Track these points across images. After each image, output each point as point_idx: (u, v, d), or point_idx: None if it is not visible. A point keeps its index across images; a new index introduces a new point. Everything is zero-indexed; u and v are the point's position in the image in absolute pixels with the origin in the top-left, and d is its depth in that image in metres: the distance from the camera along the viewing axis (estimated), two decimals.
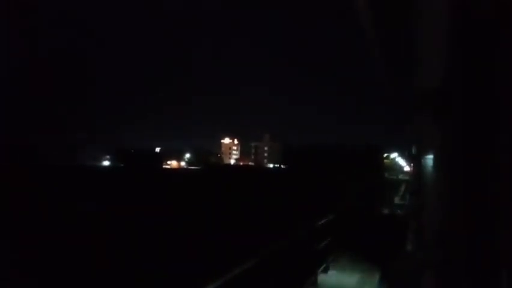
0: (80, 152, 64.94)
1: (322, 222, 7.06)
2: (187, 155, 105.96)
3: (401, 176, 45.64)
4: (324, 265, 6.72)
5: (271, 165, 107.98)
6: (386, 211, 16.43)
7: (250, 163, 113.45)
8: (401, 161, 48.68)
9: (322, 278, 6.51)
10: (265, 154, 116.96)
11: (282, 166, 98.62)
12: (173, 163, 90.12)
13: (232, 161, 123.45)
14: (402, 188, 26.71)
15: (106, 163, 70.26)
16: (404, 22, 2.25)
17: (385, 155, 63.62)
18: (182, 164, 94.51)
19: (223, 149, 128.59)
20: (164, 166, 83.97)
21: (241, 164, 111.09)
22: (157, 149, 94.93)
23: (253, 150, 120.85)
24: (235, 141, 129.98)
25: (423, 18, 1.88)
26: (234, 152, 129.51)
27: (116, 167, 61.82)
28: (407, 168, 43.70)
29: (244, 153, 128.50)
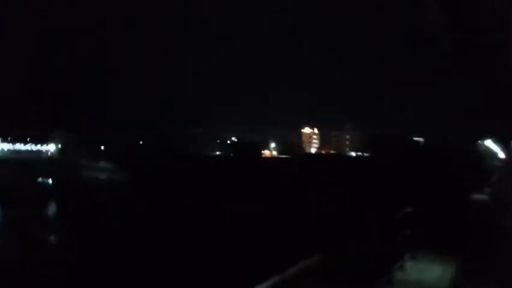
0: (197, 143, 78.54)
1: (406, 211, 6.83)
2: (273, 145, 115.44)
3: (495, 163, 48.88)
4: (401, 262, 6.49)
5: (353, 154, 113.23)
6: (478, 199, 16.12)
7: (331, 151, 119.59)
8: (495, 148, 51.58)
9: (399, 275, 6.27)
10: (347, 143, 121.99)
11: (364, 154, 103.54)
12: (266, 152, 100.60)
13: (313, 150, 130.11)
14: (496, 175, 25.97)
15: (217, 153, 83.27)
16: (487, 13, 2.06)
17: (478, 142, 65.83)
18: (274, 153, 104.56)
19: (303, 138, 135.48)
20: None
21: (324, 152, 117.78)
22: (234, 139, 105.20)
23: (334, 139, 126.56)
24: (315, 131, 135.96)
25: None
26: (314, 141, 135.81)
27: (229, 157, 73.57)
28: (501, 155, 45.20)
29: (323, 142, 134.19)
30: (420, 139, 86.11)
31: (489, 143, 64.44)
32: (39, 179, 55.03)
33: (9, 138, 79.00)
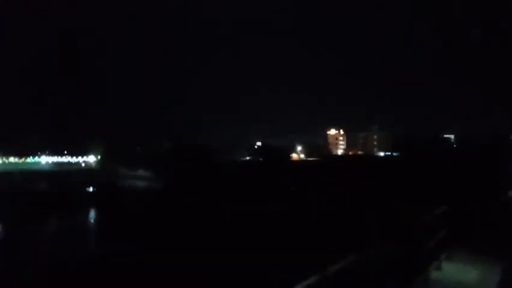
0: (227, 149, 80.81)
1: (440, 211, 6.55)
2: (299, 148, 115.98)
3: None
4: (437, 262, 6.31)
5: (381, 154, 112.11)
6: None
7: (359, 152, 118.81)
8: None
9: (435, 275, 6.06)
10: (375, 143, 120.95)
11: (394, 154, 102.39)
12: (294, 156, 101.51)
13: (340, 151, 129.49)
14: None
15: (247, 158, 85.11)
16: None
17: None
18: (302, 156, 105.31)
19: (329, 140, 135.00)
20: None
21: (351, 153, 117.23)
22: (259, 143, 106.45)
23: (361, 140, 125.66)
24: (341, 132, 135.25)
25: None
26: (341, 142, 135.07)
27: (259, 161, 75.05)
28: None
29: (349, 143, 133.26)
30: (451, 136, 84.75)
31: None
32: (84, 189, 58.27)
33: (47, 152, 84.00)
